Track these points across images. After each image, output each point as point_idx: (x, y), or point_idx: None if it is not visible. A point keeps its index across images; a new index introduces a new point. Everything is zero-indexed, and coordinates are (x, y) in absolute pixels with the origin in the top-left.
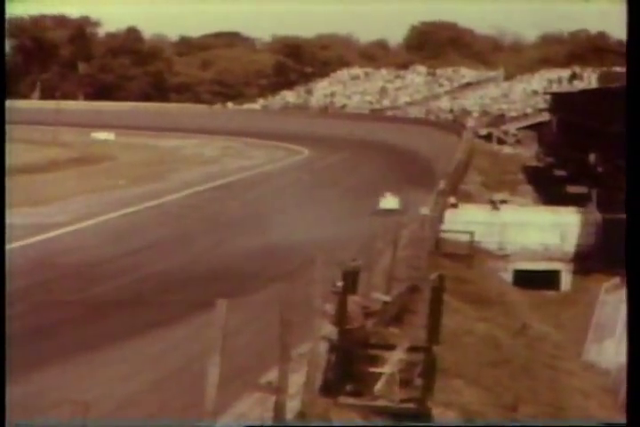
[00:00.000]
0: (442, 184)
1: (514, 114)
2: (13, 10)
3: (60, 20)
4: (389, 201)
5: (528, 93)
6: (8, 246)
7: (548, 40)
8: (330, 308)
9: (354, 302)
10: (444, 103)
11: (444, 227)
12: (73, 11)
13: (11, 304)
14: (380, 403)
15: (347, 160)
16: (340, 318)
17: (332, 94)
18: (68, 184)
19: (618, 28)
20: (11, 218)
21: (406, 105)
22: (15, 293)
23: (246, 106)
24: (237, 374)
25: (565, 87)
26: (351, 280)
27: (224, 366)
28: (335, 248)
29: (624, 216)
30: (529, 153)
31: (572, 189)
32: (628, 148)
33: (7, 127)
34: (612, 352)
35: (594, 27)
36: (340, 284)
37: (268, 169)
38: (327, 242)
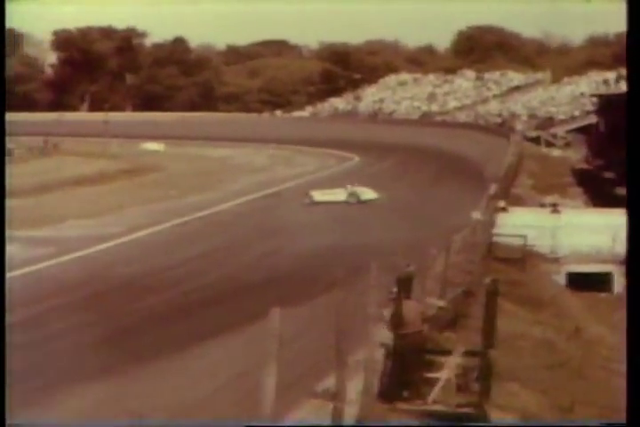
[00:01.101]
0: (493, 188)
1: (562, 117)
2: (13, 10)
3: (107, 32)
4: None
5: (575, 96)
6: (62, 258)
7: (594, 42)
8: (386, 314)
9: (410, 306)
10: (493, 107)
11: (496, 231)
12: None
13: (66, 316)
14: (438, 408)
15: (397, 166)
16: (396, 323)
17: (381, 100)
18: (119, 195)
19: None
20: (65, 230)
21: (455, 110)
22: (70, 304)
23: (295, 114)
24: (294, 382)
25: (612, 89)
26: (405, 286)
27: (281, 375)
28: (388, 253)
29: None
30: (578, 155)
31: (622, 191)
32: (629, 148)
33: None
34: None
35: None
36: (395, 290)
37: (318, 176)
38: (380, 247)
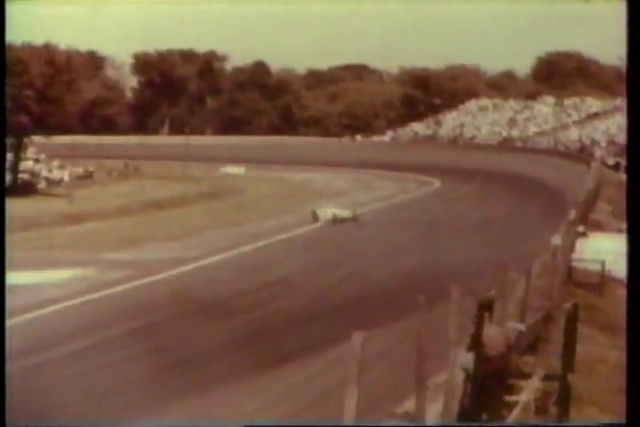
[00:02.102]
0: (572, 214)
1: None
2: (13, 9)
3: (188, 55)
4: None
5: None
6: (143, 281)
7: None
8: (468, 338)
9: (492, 330)
10: (572, 133)
11: (575, 256)
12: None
13: (148, 338)
14: None
15: (478, 191)
16: (477, 346)
17: (461, 125)
18: (199, 219)
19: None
20: (144, 253)
21: (535, 135)
22: (149, 327)
23: (375, 138)
24: (374, 405)
25: None
26: (487, 310)
27: (361, 397)
28: (470, 277)
29: None
30: None
31: None
32: (629, 147)
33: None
34: None
35: None
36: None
37: (398, 200)
38: (461, 271)
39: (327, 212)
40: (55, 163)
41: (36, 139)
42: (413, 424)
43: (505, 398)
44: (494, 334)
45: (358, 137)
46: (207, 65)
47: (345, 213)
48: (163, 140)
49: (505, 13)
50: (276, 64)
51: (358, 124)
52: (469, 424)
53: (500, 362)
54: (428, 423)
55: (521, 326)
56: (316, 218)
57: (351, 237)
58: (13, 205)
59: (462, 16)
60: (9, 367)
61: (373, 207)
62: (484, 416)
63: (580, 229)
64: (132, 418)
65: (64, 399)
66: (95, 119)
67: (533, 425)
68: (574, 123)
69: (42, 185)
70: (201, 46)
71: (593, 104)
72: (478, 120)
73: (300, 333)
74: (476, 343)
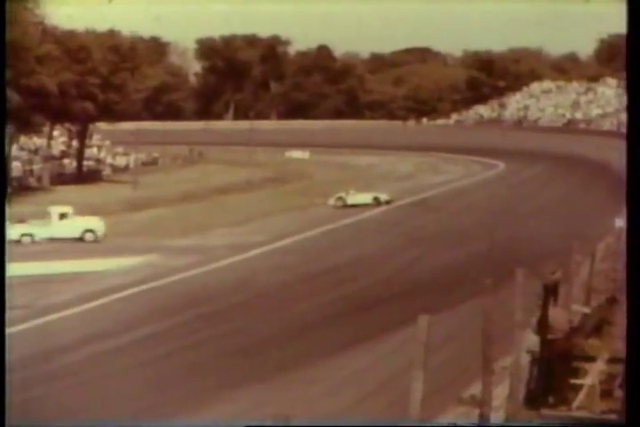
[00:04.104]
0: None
1: None
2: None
3: (251, 40)
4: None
5: None
6: (208, 267)
7: None
8: (533, 320)
9: (557, 313)
10: None
11: None
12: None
13: (214, 325)
14: (582, 414)
15: (542, 174)
16: (543, 329)
17: (526, 108)
18: (265, 203)
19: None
20: (211, 239)
21: (598, 117)
22: (217, 313)
23: (440, 121)
24: (441, 388)
25: None
26: (552, 293)
27: (427, 381)
28: (536, 260)
29: None
30: None
31: None
32: (629, 147)
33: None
34: None
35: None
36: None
37: (463, 184)
38: (526, 254)
39: (359, 196)
40: (120, 149)
41: (101, 126)
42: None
43: (571, 381)
44: (557, 317)
45: (423, 120)
46: (270, 49)
47: (383, 197)
48: (227, 125)
49: None
50: (339, 48)
51: (423, 107)
52: (471, 425)
53: (564, 345)
54: (492, 411)
55: (586, 309)
56: (343, 202)
57: (417, 221)
58: (79, 193)
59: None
60: (88, 350)
61: (438, 191)
62: (551, 399)
63: None
64: (199, 402)
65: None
66: (159, 105)
67: (534, 425)
68: None
69: (107, 172)
70: (264, 31)
71: None
72: (542, 103)
73: (367, 316)
74: (542, 326)
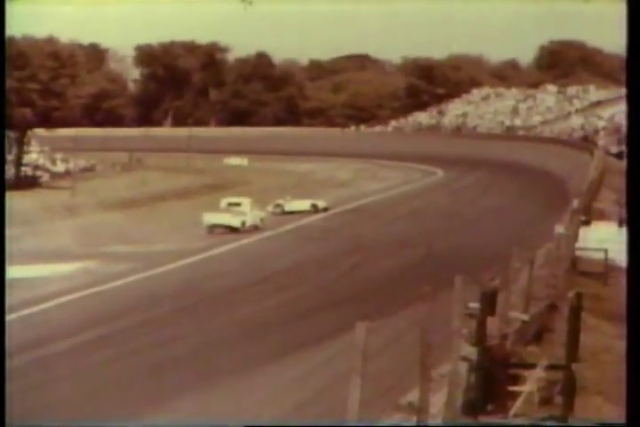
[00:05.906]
0: (575, 203)
1: None
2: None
3: (190, 47)
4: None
5: None
6: (147, 274)
7: None
8: (467, 330)
9: (492, 321)
10: (575, 122)
11: (579, 245)
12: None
13: (157, 330)
14: (521, 421)
15: (481, 180)
16: (480, 337)
17: (464, 115)
18: (203, 210)
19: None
20: (150, 245)
21: (538, 124)
22: (159, 318)
23: (379, 128)
24: (378, 396)
25: None
26: (490, 300)
27: (365, 388)
28: (474, 267)
29: None
30: None
31: None
32: (629, 147)
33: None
34: None
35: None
36: (473, 305)
37: (402, 190)
38: (465, 262)
39: (297, 203)
40: (59, 156)
41: (40, 132)
42: (414, 424)
43: (509, 389)
44: (493, 325)
45: (362, 127)
46: (210, 57)
47: (320, 204)
48: (166, 132)
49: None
50: (278, 55)
51: (362, 114)
52: (469, 424)
53: (500, 352)
54: (429, 418)
55: (525, 316)
56: (282, 209)
57: (356, 228)
58: (16, 199)
59: (465, 6)
60: (15, 360)
61: (376, 198)
62: (490, 407)
63: (584, 218)
64: (135, 413)
65: (68, 393)
66: (98, 112)
67: (534, 425)
68: (577, 111)
69: (45, 178)
70: (202, 38)
71: (596, 93)
72: (481, 109)
73: (304, 323)
74: (480, 333)
